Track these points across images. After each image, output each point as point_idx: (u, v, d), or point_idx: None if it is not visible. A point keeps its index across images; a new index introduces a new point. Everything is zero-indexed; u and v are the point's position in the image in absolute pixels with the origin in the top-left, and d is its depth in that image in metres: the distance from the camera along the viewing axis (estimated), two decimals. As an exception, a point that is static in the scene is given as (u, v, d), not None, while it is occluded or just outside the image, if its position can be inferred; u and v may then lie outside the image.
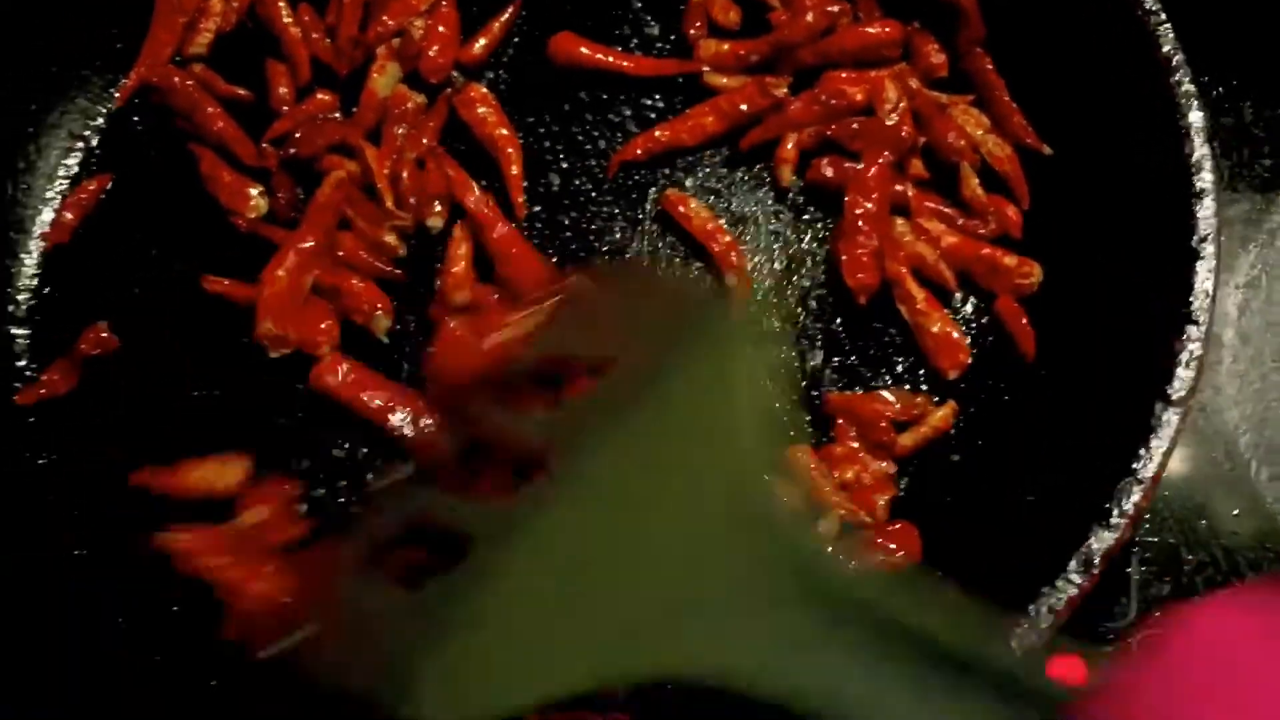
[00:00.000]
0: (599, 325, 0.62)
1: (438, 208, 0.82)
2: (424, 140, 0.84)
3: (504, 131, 0.84)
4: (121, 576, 0.76)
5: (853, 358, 0.79)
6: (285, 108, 0.87)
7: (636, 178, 0.84)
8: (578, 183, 0.84)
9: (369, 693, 0.52)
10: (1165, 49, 0.70)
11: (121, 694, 0.72)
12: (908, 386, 0.78)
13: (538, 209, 0.83)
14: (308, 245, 0.79)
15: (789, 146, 0.83)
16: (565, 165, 0.85)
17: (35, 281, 0.84)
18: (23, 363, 0.82)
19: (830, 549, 0.46)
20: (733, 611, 0.45)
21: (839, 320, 0.80)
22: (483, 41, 0.88)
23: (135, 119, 0.88)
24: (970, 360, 0.78)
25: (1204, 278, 0.65)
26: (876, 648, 0.41)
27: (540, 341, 0.62)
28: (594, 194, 0.84)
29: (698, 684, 0.44)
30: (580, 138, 0.86)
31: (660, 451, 0.52)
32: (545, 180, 0.84)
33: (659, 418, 0.53)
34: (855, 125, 0.82)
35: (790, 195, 0.84)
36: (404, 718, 0.50)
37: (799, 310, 0.81)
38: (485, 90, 0.85)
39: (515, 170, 0.83)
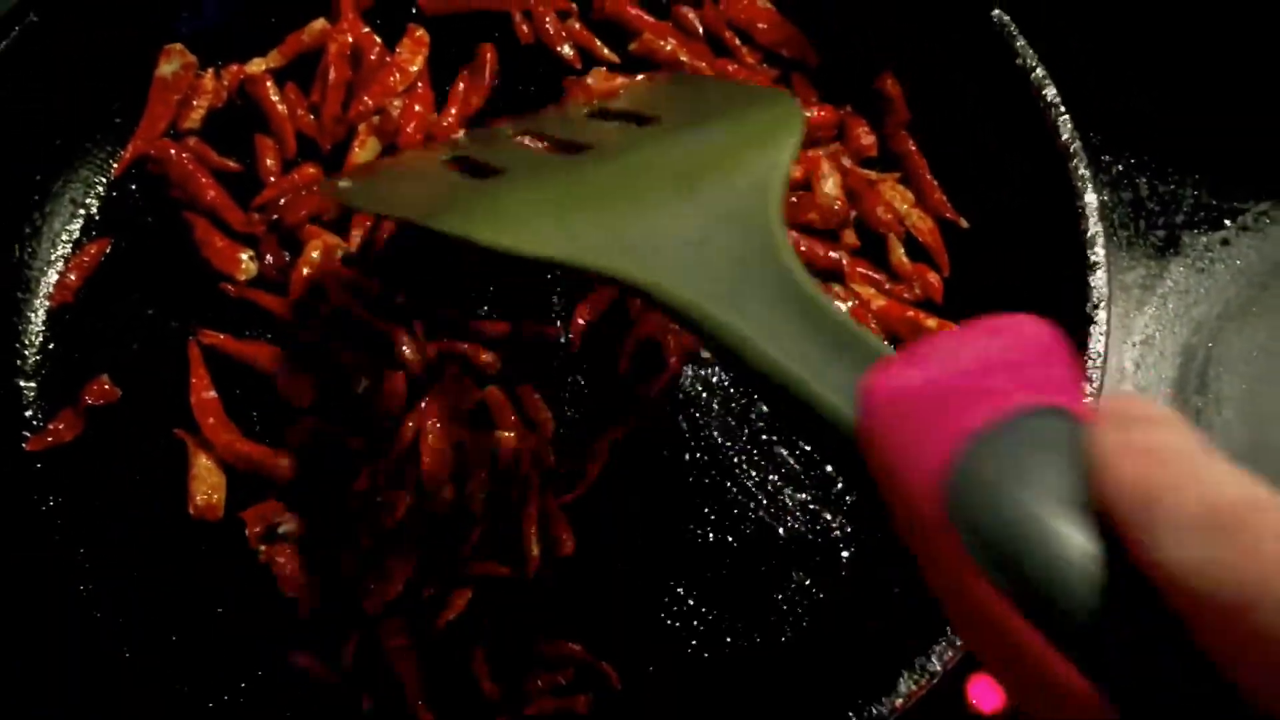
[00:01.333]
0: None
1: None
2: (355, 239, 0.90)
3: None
4: (125, 613, 0.82)
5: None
6: (272, 178, 0.93)
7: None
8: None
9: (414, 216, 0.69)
10: (1064, 137, 0.79)
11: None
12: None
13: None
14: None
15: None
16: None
17: (41, 338, 0.89)
18: (30, 413, 0.87)
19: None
20: (701, 258, 0.55)
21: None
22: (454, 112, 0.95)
23: (133, 188, 0.93)
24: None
25: (1097, 339, 0.74)
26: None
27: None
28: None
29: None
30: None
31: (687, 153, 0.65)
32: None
33: (694, 139, 0.68)
34: (794, 199, 0.90)
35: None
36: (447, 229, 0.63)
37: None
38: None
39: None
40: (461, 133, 0.86)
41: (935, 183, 0.90)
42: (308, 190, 0.92)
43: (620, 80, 0.92)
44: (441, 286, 0.89)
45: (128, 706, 0.78)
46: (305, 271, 0.88)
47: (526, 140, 0.79)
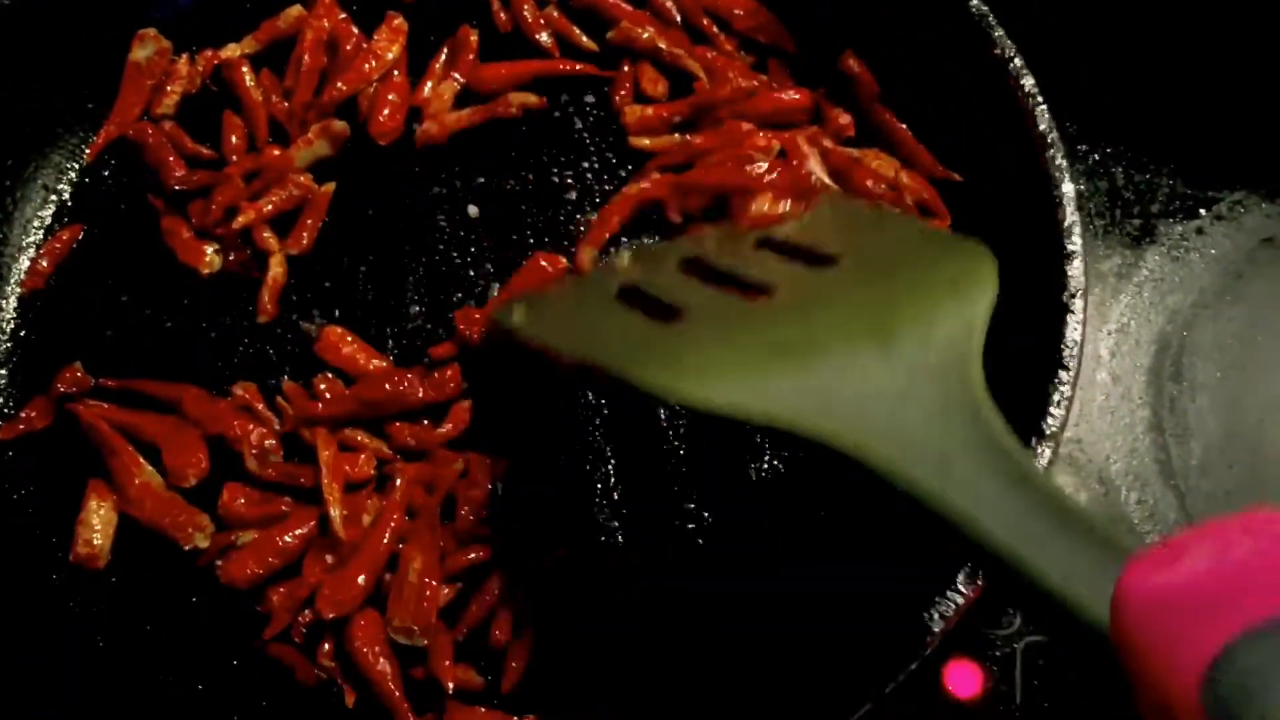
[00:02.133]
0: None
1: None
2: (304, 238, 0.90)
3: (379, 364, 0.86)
4: (99, 603, 0.81)
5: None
6: (235, 157, 0.92)
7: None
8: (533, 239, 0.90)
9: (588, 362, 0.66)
10: (1041, 127, 0.79)
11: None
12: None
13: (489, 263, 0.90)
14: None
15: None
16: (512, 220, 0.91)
17: (13, 325, 0.89)
18: (1, 400, 0.86)
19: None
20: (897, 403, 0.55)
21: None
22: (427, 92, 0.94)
23: (106, 174, 0.93)
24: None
25: (1073, 329, 0.73)
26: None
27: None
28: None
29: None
30: (527, 199, 0.91)
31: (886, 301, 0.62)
32: (507, 230, 0.90)
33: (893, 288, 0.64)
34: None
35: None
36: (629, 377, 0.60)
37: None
38: (341, 329, 0.86)
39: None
40: (626, 255, 0.80)
41: (921, 145, 0.89)
42: (265, 180, 0.90)
43: (786, 205, 0.81)
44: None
45: (103, 697, 0.78)
46: (272, 288, 0.88)
47: (702, 283, 0.72)
